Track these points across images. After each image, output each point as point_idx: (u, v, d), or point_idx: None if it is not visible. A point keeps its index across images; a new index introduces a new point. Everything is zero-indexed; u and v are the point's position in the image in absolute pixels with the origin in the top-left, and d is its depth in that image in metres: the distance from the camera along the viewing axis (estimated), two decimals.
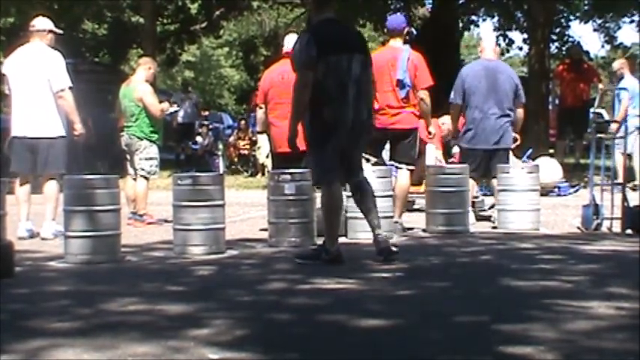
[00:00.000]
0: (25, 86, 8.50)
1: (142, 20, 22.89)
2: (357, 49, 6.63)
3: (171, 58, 25.21)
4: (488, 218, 9.56)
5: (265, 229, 8.00)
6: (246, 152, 18.71)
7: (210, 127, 19.58)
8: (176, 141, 19.60)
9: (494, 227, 8.97)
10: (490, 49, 9.77)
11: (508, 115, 9.35)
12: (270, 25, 31.97)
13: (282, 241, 7.63)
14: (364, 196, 6.75)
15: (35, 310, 4.82)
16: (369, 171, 8.24)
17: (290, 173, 7.77)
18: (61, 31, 8.96)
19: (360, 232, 8.05)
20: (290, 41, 8.69)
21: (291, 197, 7.67)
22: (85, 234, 6.76)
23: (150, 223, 9.70)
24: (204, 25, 24.49)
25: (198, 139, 18.96)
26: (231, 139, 19.85)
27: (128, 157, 10.02)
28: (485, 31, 10.06)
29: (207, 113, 23.54)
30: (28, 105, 8.46)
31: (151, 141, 9.84)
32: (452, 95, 9.46)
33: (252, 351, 3.77)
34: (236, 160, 18.98)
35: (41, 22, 8.76)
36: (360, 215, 8.00)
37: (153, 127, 9.85)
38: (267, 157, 9.06)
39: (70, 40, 20.22)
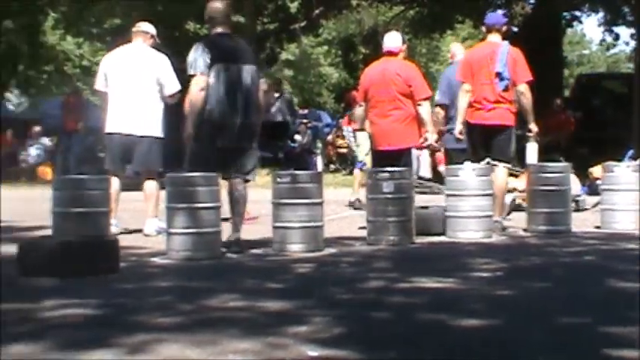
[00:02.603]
0: (130, 84, 8.57)
1: (242, 19, 23.14)
2: (247, 60, 7.36)
3: (270, 56, 25.41)
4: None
5: (364, 228, 8.00)
6: (344, 150, 18.74)
7: (309, 125, 19.66)
8: (270, 139, 19.72)
9: (598, 227, 8.77)
10: (461, 54, 9.96)
11: None
12: (369, 23, 31.92)
13: (380, 240, 7.62)
14: (233, 200, 7.38)
15: (139, 305, 4.91)
16: (469, 169, 8.17)
17: (389, 171, 7.75)
18: (158, 40, 9.09)
19: (459, 232, 7.99)
20: (390, 39, 8.68)
21: (389, 195, 7.65)
22: (186, 231, 6.87)
23: (248, 220, 9.76)
24: (303, 23, 24.60)
25: (297, 137, 19.06)
26: (330, 137, 19.91)
27: None
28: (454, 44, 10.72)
29: (306, 111, 23.66)
30: (132, 103, 8.53)
31: None
32: (438, 96, 9.91)
33: (351, 349, 3.77)
34: (334, 158, 19.02)
35: (146, 25, 8.94)
36: (460, 214, 7.98)
37: None
38: (367, 154, 9.07)
39: (171, 40, 20.57)
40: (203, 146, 7.26)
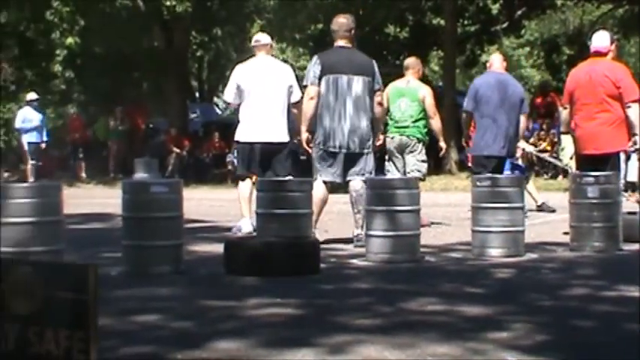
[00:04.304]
0: (268, 95, 8.80)
1: (442, 22, 23.07)
2: (361, 72, 7.96)
3: (470, 59, 25.20)
4: None
5: (567, 233, 7.78)
6: (546, 154, 18.32)
7: None
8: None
9: None
10: (499, 66, 9.58)
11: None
12: (574, 23, 31.07)
13: (584, 246, 7.39)
14: (352, 200, 7.93)
15: (339, 305, 4.99)
16: None
17: (594, 176, 7.50)
18: (274, 45, 9.44)
19: None
20: (598, 39, 8.37)
21: (594, 200, 7.41)
22: (385, 233, 6.91)
23: (422, 226, 9.61)
24: (505, 25, 24.24)
25: None
26: (532, 140, 19.49)
27: (396, 157, 9.84)
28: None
29: None
30: (272, 112, 8.77)
31: (424, 143, 9.74)
32: (465, 103, 9.48)
33: (552, 357, 3.68)
34: (536, 161, 18.61)
35: (265, 37, 9.33)
36: None
37: (427, 129, 9.76)
38: (571, 158, 8.82)
39: (373, 44, 20.77)
40: (318, 151, 7.95)
